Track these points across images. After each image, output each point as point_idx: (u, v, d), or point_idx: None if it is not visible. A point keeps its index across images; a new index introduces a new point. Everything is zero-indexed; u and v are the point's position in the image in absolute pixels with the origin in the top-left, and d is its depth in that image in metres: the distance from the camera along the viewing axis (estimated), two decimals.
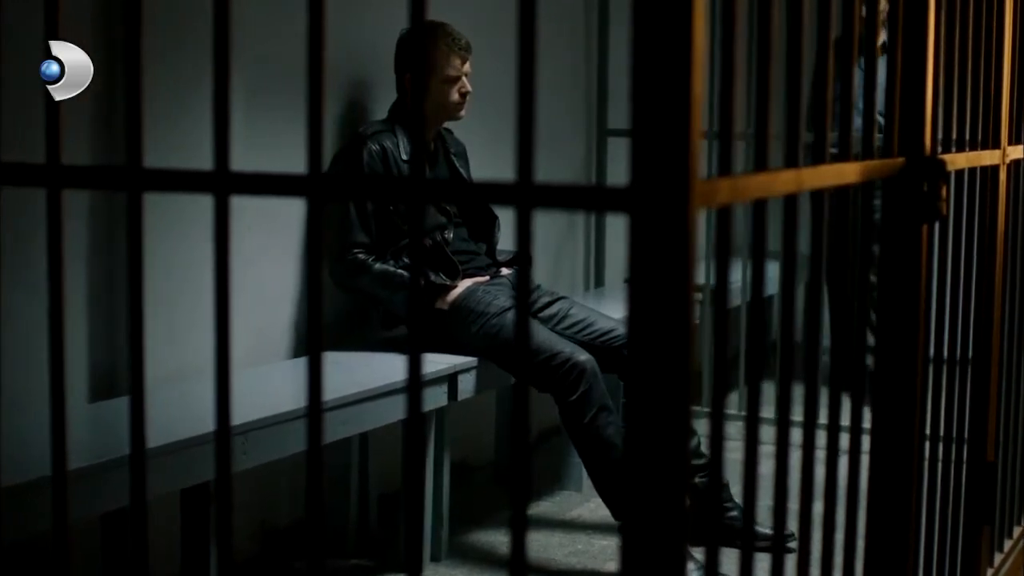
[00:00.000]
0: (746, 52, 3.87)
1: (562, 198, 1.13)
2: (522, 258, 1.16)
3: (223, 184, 1.28)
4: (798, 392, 1.59)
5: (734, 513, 3.34)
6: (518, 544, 1.15)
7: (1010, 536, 2.86)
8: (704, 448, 3.47)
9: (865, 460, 1.95)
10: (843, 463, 1.74)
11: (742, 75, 1.32)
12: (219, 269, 1.27)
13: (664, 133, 1.06)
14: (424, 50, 1.22)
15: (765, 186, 1.29)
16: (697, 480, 3.25)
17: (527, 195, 1.12)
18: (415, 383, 1.22)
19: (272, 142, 3.20)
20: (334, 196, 1.25)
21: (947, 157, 2.01)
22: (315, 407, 1.25)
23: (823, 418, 1.68)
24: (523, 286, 1.16)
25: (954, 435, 2.46)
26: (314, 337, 1.26)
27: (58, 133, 1.38)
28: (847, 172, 1.59)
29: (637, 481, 1.13)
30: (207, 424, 2.40)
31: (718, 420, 1.35)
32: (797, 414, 1.61)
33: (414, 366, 1.22)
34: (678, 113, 1.05)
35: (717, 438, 1.39)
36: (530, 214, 1.14)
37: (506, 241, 3.61)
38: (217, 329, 1.27)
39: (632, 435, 1.13)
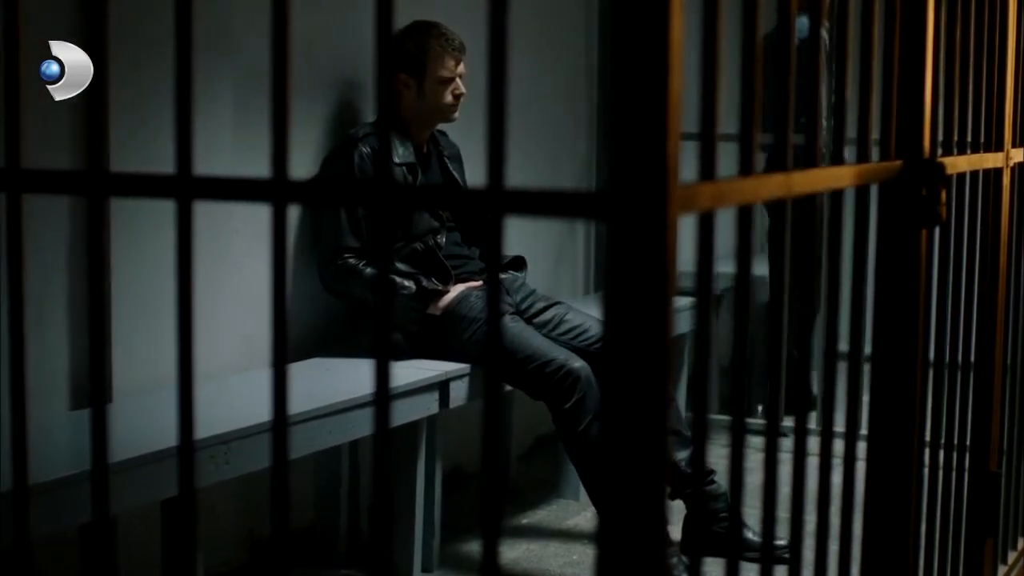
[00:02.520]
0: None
1: (534, 204, 1.07)
2: (493, 265, 1.11)
3: (185, 189, 1.22)
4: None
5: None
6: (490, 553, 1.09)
7: (1014, 548, 2.80)
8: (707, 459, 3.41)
9: (861, 467, 1.89)
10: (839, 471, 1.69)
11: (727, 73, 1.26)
12: (181, 276, 1.22)
13: (640, 135, 1.00)
14: (393, 51, 1.17)
15: (752, 191, 1.23)
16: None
17: (498, 201, 1.07)
18: (383, 396, 1.16)
19: (263, 144, 3.14)
20: (298, 201, 1.20)
21: (947, 160, 1.94)
22: (280, 422, 1.20)
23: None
24: (494, 294, 1.10)
25: (955, 442, 2.39)
26: (279, 349, 1.21)
27: (19, 135, 1.33)
28: (841, 176, 1.53)
29: (613, 499, 1.07)
30: None
31: (701, 428, 1.30)
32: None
33: (382, 378, 1.17)
34: (655, 113, 1.00)
35: (699, 447, 1.34)
36: (502, 220, 1.10)
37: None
38: (180, 338, 1.22)
39: (610, 452, 1.07)
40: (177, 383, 1.23)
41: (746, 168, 1.27)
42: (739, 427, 1.34)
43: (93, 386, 1.26)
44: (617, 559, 1.07)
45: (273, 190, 1.19)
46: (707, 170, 1.17)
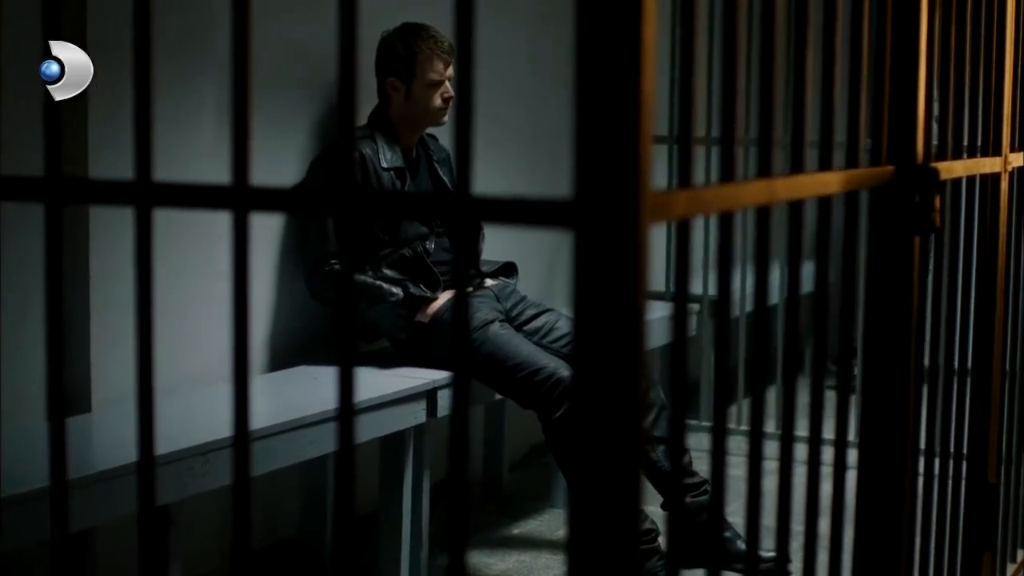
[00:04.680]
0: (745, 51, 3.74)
1: (502, 212, 1.02)
2: (461, 274, 1.07)
3: (144, 195, 1.17)
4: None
5: (726, 534, 3.21)
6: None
7: (1013, 560, 2.74)
8: (698, 466, 3.36)
9: (852, 476, 1.84)
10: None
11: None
12: (141, 285, 1.18)
13: (610, 139, 0.94)
14: (356, 54, 1.12)
15: (731, 198, 1.18)
16: (688, 500, 3.13)
17: (465, 209, 1.02)
18: (347, 410, 1.12)
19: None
20: (260, 208, 1.15)
21: (942, 165, 1.89)
22: (242, 437, 1.15)
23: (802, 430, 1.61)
24: (461, 303, 1.05)
25: (951, 452, 2.34)
26: (241, 361, 1.15)
27: None
28: (828, 182, 1.48)
29: (586, 513, 1.03)
30: (166, 444, 2.30)
31: (678, 438, 1.26)
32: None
33: (346, 389, 1.12)
34: (626, 116, 0.94)
35: (677, 459, 1.30)
36: (472, 228, 1.05)
37: (490, 251, 3.49)
38: (139, 351, 1.17)
39: (584, 468, 1.03)
40: (136, 392, 1.18)
41: (726, 174, 1.22)
42: (720, 436, 1.30)
43: (51, 400, 1.22)
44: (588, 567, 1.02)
45: (233, 197, 1.14)
46: (684, 176, 1.11)
